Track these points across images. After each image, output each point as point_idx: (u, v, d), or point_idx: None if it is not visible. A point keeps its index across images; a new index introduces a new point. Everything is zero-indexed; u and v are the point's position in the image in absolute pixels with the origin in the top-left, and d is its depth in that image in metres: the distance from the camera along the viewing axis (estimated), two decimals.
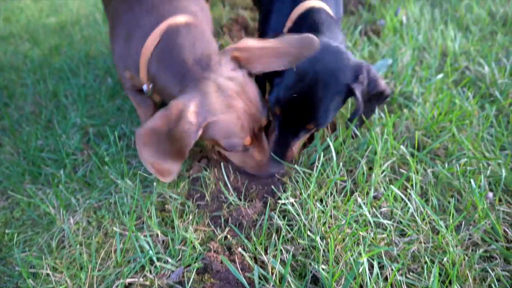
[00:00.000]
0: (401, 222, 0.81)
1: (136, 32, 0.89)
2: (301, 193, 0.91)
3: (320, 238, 0.78)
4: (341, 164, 0.92)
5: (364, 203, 0.82)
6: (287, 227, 0.82)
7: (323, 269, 0.72)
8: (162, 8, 0.90)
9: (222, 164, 0.98)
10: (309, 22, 0.97)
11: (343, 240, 0.78)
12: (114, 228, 0.85)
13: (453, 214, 0.79)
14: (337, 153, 0.98)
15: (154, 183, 0.96)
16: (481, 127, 0.99)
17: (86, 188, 1.00)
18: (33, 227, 0.94)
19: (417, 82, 1.21)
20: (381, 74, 1.27)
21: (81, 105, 1.24)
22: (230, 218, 0.90)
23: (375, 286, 0.69)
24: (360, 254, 0.73)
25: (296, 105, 0.89)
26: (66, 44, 1.70)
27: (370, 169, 0.96)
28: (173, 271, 0.79)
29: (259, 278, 0.73)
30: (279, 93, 0.90)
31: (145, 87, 0.93)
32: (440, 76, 1.17)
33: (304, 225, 0.82)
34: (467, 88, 1.13)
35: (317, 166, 0.90)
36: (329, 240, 0.77)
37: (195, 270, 0.77)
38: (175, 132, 0.78)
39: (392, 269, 0.72)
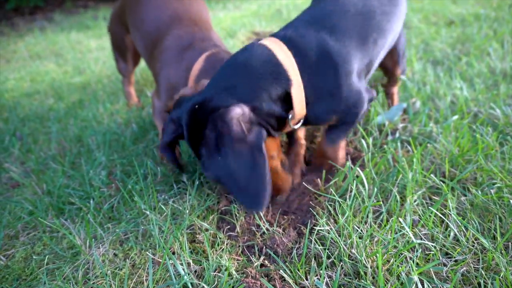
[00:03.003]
0: (444, 245, 0.79)
1: (183, 63, 1.06)
2: (336, 221, 0.89)
3: (365, 259, 0.74)
4: (373, 194, 0.92)
5: (404, 226, 0.80)
6: (327, 252, 0.79)
7: None
8: (199, 46, 1.05)
9: None
10: None
11: (388, 261, 0.74)
12: (147, 253, 0.81)
13: (498, 235, 0.77)
14: (363, 184, 0.98)
15: (185, 214, 0.94)
16: (506, 159, 1.01)
17: (112, 221, 0.97)
18: (56, 260, 0.90)
19: (433, 123, 1.25)
20: (397, 118, 1.32)
21: (106, 147, 1.26)
22: (264, 247, 0.87)
23: None
24: (409, 273, 0.70)
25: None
26: (89, 99, 1.79)
27: (401, 199, 0.95)
28: None
29: None
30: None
31: None
32: (456, 117, 1.23)
33: (344, 250, 0.79)
34: (485, 126, 1.17)
35: (351, 190, 0.90)
36: (374, 262, 0.74)
37: None
38: None
39: None
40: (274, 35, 0.93)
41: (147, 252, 0.83)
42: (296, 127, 0.92)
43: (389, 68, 1.35)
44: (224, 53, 1.06)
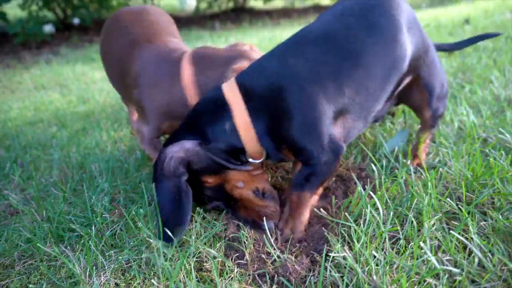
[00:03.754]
0: (470, 272, 0.74)
1: (168, 79, 1.04)
2: (351, 248, 0.85)
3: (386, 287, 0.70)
4: (388, 219, 0.88)
5: (426, 251, 0.76)
6: (345, 280, 0.74)
7: None
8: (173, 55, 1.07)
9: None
10: None
11: None
12: (153, 281, 0.76)
13: None
14: (376, 209, 0.94)
15: (191, 241, 0.89)
16: None
17: (114, 249, 0.92)
18: None
19: (443, 149, 1.23)
20: (402, 144, 1.30)
21: (109, 174, 1.23)
22: (276, 275, 0.81)
23: None
24: None
25: None
26: (92, 127, 1.77)
27: (417, 224, 0.91)
28: None
29: None
30: None
31: None
32: (465, 143, 1.21)
33: (363, 277, 0.74)
34: (497, 150, 1.15)
35: (365, 215, 0.86)
36: None
37: None
38: None
39: None
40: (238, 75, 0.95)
41: (152, 280, 0.78)
42: (257, 161, 0.94)
43: (416, 107, 1.17)
44: (202, 48, 1.07)
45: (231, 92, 0.89)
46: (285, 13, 7.11)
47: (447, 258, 0.77)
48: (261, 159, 0.94)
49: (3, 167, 1.39)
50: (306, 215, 0.95)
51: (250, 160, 0.93)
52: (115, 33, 1.21)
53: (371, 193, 0.92)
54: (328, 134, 0.88)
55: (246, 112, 0.88)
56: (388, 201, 0.95)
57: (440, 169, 1.07)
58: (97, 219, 0.97)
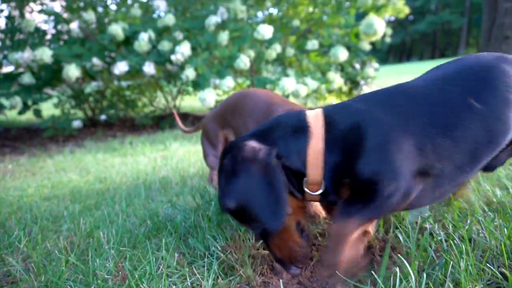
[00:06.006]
0: None
1: None
2: None
3: None
4: (423, 283, 0.78)
5: None
6: None
7: None
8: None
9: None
10: None
11: None
12: None
13: None
14: (406, 279, 0.84)
15: None
16: None
17: None
18: None
19: (473, 219, 1.15)
20: (429, 214, 1.22)
21: (117, 240, 1.17)
22: None
23: None
24: None
25: None
26: (106, 202, 1.75)
27: None
28: None
29: None
30: None
31: None
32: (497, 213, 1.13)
33: None
34: None
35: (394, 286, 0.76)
36: None
37: None
38: None
39: None
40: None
41: None
42: (313, 193, 0.89)
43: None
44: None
45: (315, 119, 0.90)
46: None
47: None
48: (318, 192, 0.88)
49: (10, 235, 1.34)
50: (347, 253, 0.82)
51: (307, 190, 0.88)
52: (253, 100, 1.49)
53: (402, 258, 0.84)
54: (408, 169, 0.80)
55: (323, 141, 0.86)
56: (419, 270, 0.85)
57: (473, 235, 0.98)
58: (99, 281, 0.89)
